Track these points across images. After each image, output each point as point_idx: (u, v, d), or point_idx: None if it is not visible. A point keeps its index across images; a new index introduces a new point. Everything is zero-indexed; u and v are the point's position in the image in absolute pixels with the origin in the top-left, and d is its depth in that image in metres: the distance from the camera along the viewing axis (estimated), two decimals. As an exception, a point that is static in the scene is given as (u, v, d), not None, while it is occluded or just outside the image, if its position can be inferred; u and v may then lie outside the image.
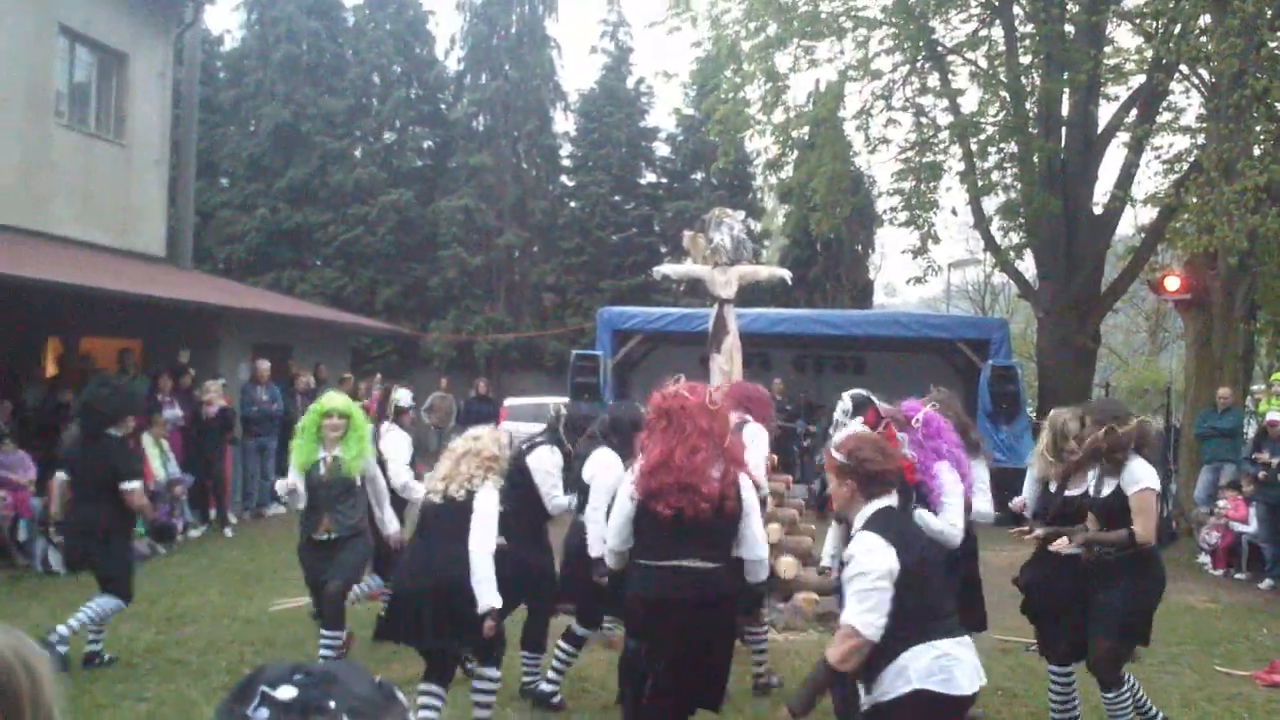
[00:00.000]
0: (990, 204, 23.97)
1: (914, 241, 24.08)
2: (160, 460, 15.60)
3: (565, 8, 57.13)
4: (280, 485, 8.77)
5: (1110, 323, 30.47)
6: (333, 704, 2.00)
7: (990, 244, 24.77)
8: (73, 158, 19.72)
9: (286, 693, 2.00)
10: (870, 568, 4.59)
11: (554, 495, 8.20)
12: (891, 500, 4.94)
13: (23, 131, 18.44)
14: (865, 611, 4.56)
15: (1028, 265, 24.29)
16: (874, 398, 7.18)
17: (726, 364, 13.18)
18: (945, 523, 6.58)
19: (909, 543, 4.78)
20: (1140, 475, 7.02)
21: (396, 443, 10.00)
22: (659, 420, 6.07)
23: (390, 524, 9.18)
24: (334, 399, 8.80)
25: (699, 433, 5.93)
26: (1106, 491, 7.14)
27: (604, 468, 7.76)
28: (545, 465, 8.23)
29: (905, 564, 4.61)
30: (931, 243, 24.07)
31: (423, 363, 36.77)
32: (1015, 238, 23.57)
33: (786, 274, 14.34)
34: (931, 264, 24.81)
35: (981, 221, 24.00)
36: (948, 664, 4.61)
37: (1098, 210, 22.06)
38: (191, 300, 18.22)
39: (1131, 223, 27.99)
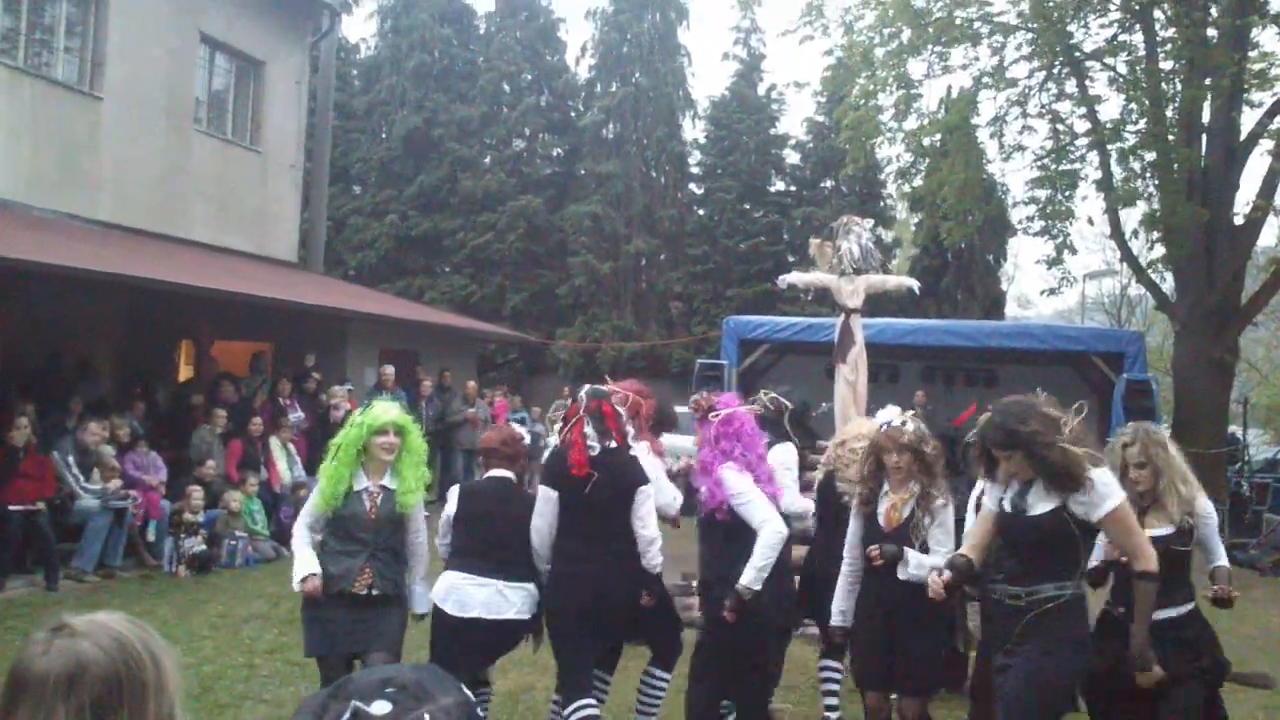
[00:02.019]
0: (1129, 214, 23.44)
1: (1049, 252, 23.64)
2: (286, 463, 15.80)
3: (697, 15, 57.32)
4: (299, 579, 6.44)
5: (1250, 336, 29.70)
6: (426, 717, 1.98)
7: (1127, 255, 24.23)
8: (210, 164, 20.08)
9: (381, 708, 1.98)
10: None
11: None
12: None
13: (162, 137, 18.82)
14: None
15: (1165, 276, 23.70)
16: (606, 392, 6.97)
17: (852, 374, 13.03)
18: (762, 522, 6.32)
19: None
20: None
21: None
22: None
23: (421, 602, 6.90)
24: (389, 410, 6.70)
25: None
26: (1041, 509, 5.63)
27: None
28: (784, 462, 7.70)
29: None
30: (1067, 253, 23.61)
31: (549, 370, 36.95)
32: (1157, 250, 23.03)
33: (914, 283, 14.13)
34: (1067, 275, 24.33)
35: (1118, 232, 23.47)
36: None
37: (1238, 220, 21.45)
38: (319, 304, 18.43)
39: (1274, 233, 27.27)
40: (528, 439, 7.80)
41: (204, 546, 13.34)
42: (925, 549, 6.31)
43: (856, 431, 7.74)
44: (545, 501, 6.65)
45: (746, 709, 6.67)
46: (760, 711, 6.75)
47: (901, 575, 6.26)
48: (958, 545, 6.34)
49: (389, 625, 6.53)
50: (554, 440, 7.18)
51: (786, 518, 6.74)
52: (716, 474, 6.39)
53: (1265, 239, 24.81)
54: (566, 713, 6.46)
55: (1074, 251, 23.90)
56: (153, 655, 2.17)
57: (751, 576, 6.20)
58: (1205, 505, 6.39)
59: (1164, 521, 6.20)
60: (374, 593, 6.42)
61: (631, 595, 6.55)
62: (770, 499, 6.44)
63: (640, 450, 6.97)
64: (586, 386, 7.08)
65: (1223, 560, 6.60)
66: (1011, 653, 5.52)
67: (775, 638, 6.96)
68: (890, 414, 6.68)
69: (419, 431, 6.84)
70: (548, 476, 6.70)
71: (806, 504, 7.74)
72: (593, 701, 6.59)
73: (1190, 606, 6.28)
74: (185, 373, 19.60)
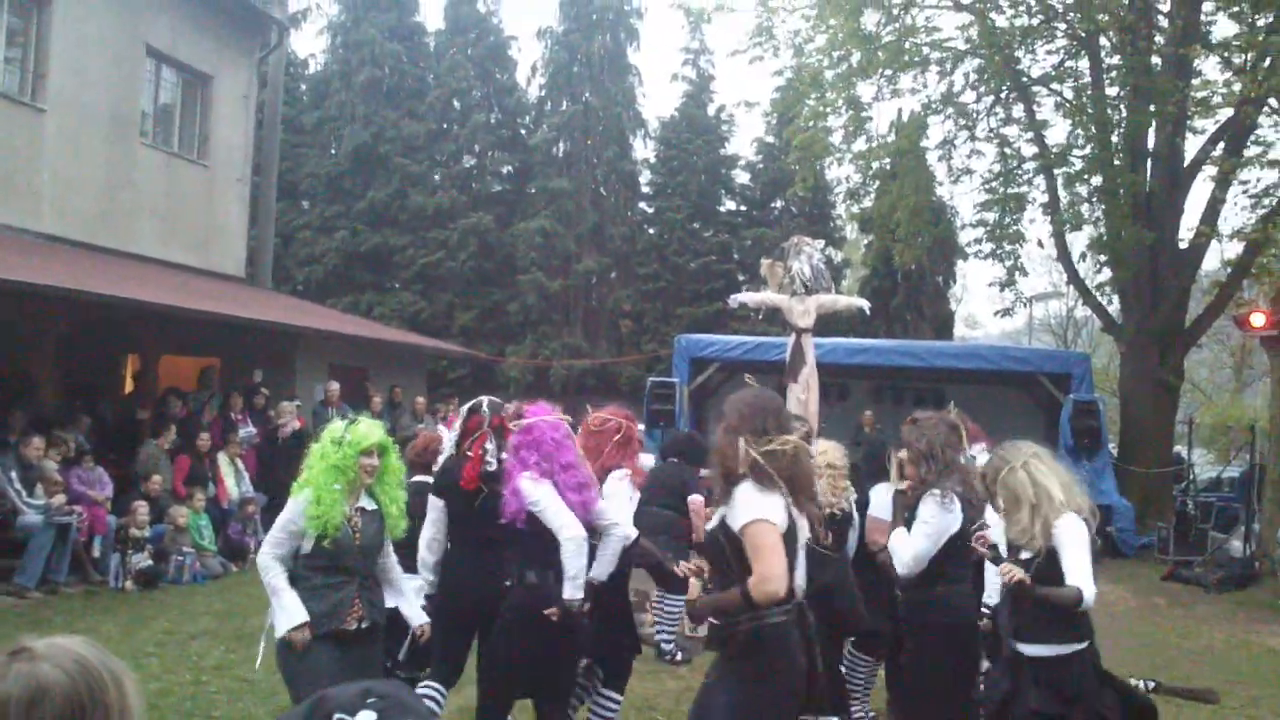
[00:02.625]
0: (1075, 237, 23.70)
1: (999, 274, 23.87)
2: (234, 479, 15.68)
3: (647, 36, 57.51)
4: (291, 627, 5.77)
5: (1194, 358, 30.00)
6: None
7: (1074, 277, 24.49)
8: (156, 178, 19.91)
9: (367, 717, 1.96)
10: None
11: None
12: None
13: (108, 151, 18.64)
14: None
15: (1111, 299, 23.94)
16: (495, 405, 7.02)
17: (803, 394, 13.03)
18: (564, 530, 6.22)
19: None
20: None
21: None
22: None
23: (418, 615, 6.67)
24: (374, 430, 6.18)
25: None
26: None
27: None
28: None
29: None
30: (1019, 275, 23.85)
31: (499, 387, 36.82)
32: (1102, 272, 23.28)
33: (865, 304, 14.18)
34: (1019, 296, 24.56)
35: (1065, 254, 23.71)
36: None
37: (1183, 245, 21.72)
38: (269, 320, 18.30)
39: (1218, 257, 27.55)
40: None
41: (150, 562, 13.20)
42: None
43: (838, 454, 7.86)
44: (434, 510, 6.86)
45: (547, 712, 6.58)
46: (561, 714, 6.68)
47: None
48: None
49: (376, 656, 6.21)
50: (449, 450, 7.23)
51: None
52: (514, 483, 6.35)
53: (1209, 263, 25.12)
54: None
55: (1025, 274, 24.14)
56: (114, 677, 2.14)
57: (568, 588, 6.13)
58: (1066, 526, 5.71)
59: (1030, 548, 5.81)
60: (363, 626, 5.98)
61: (498, 598, 6.55)
62: (579, 507, 6.33)
63: (618, 476, 7.07)
64: (485, 399, 7.08)
65: (1074, 587, 5.57)
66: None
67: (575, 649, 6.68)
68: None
69: (397, 452, 6.40)
70: (438, 487, 6.88)
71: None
72: (441, 689, 6.78)
73: (1072, 648, 5.69)
74: (131, 387, 19.40)
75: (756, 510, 4.79)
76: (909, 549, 6.47)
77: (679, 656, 10.29)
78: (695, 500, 10.18)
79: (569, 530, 6.17)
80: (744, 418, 5.01)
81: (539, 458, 6.36)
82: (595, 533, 6.41)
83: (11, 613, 11.44)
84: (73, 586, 12.84)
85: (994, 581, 7.43)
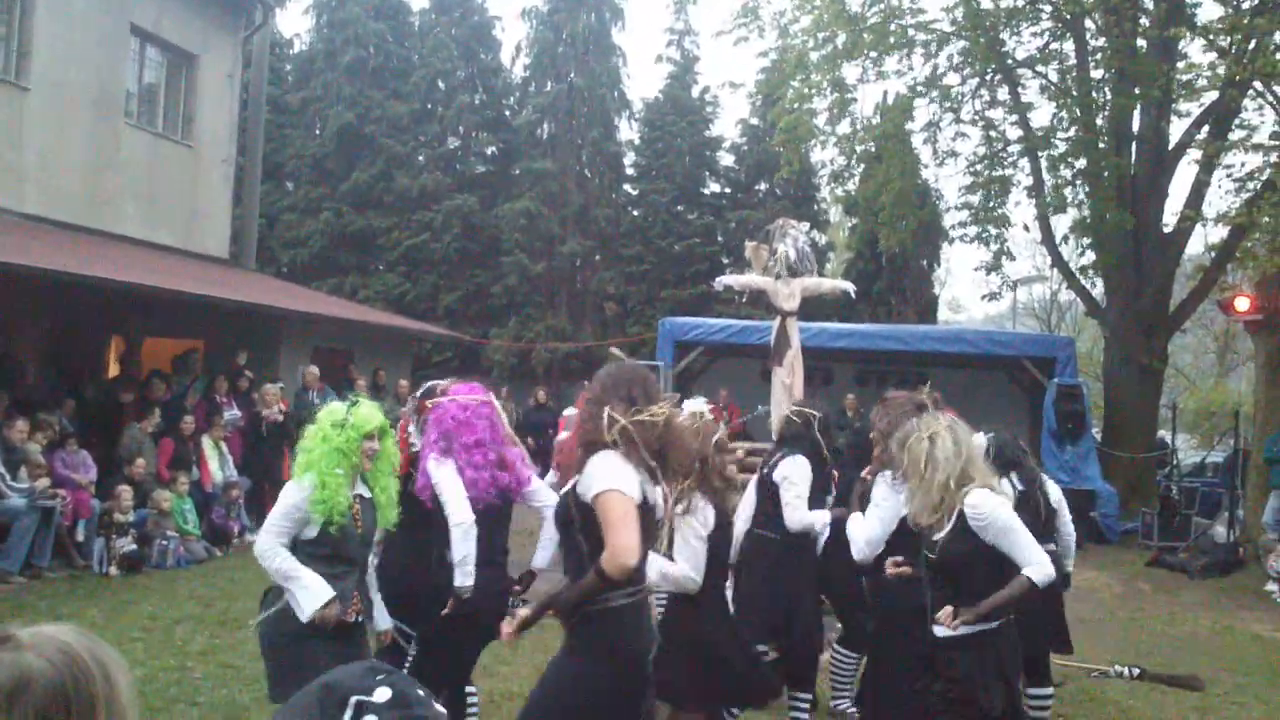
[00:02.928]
0: (1059, 220, 23.71)
1: (984, 258, 23.90)
2: (218, 463, 15.64)
3: (632, 16, 57.37)
4: (321, 605, 5.54)
5: (1178, 343, 30.04)
6: (420, 691, 1.99)
7: (1058, 261, 24.52)
8: (140, 158, 19.81)
9: (384, 694, 1.96)
10: None
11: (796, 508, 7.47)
12: None
13: (91, 130, 18.54)
14: None
15: (1095, 283, 23.99)
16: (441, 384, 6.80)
17: (788, 377, 13.08)
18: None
19: None
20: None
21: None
22: None
23: (384, 619, 6.34)
24: (376, 413, 5.93)
25: None
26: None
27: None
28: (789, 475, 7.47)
29: None
30: (1006, 259, 23.89)
31: (483, 370, 36.82)
32: (1085, 255, 23.31)
33: (850, 287, 14.23)
34: (1006, 280, 24.60)
35: (1049, 238, 23.74)
36: None
37: (1167, 228, 21.74)
38: (253, 302, 18.23)
39: (1201, 241, 27.61)
40: None
41: (134, 546, 13.16)
42: None
43: None
44: None
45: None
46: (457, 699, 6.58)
47: None
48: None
49: (367, 652, 5.90)
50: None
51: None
52: (422, 463, 6.33)
53: (1193, 247, 25.16)
54: None
55: (1012, 258, 24.19)
56: (102, 667, 2.11)
57: (457, 575, 6.03)
58: (983, 503, 5.47)
59: (938, 529, 5.61)
60: (359, 619, 5.86)
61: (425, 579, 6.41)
62: (488, 486, 6.25)
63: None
64: (433, 384, 6.91)
65: (1030, 572, 5.38)
66: None
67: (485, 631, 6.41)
68: (698, 405, 6.63)
69: (394, 436, 6.19)
70: None
71: (812, 518, 7.44)
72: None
73: (965, 631, 5.44)
74: (114, 370, 19.32)
75: (611, 480, 4.57)
76: (862, 532, 6.48)
77: None
78: None
79: (455, 516, 6.07)
80: (607, 388, 4.80)
81: (438, 436, 6.31)
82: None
83: (-4, 597, 11.41)
84: (56, 571, 12.78)
85: None
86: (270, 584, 5.73)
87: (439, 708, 2.03)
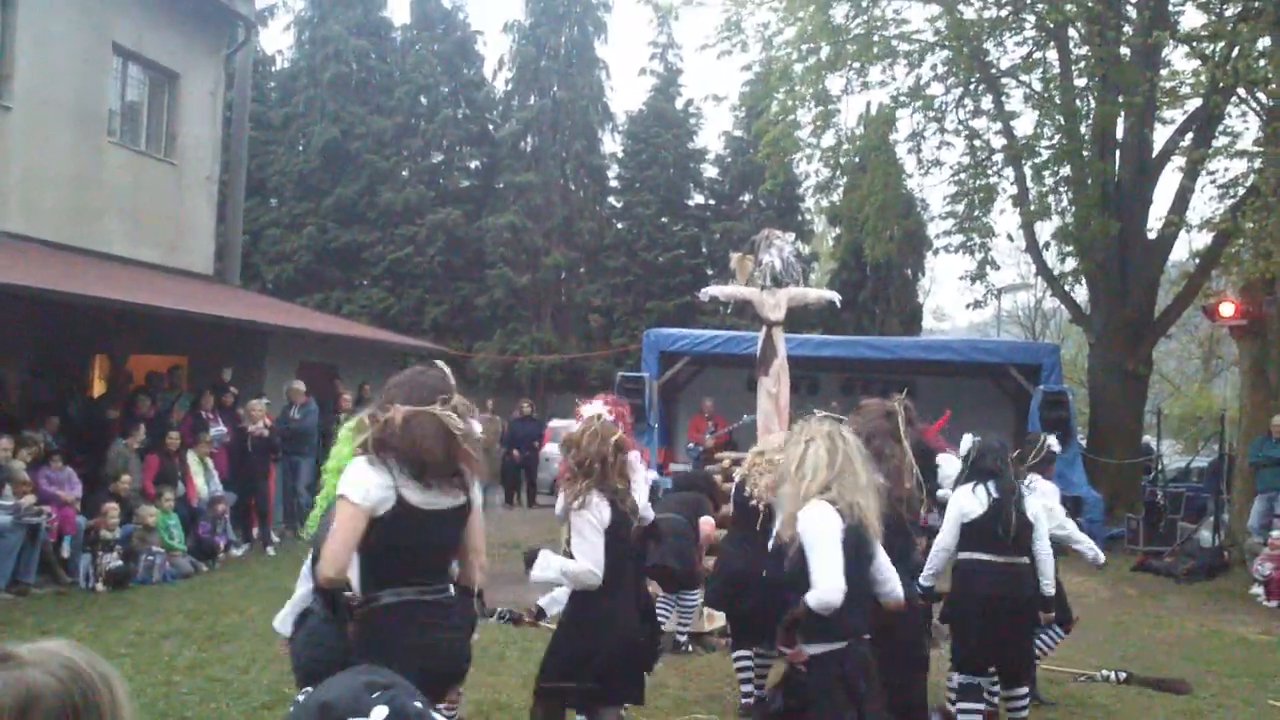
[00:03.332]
0: (1043, 228, 23.76)
1: (969, 267, 23.94)
2: (204, 478, 15.61)
3: (615, 30, 57.58)
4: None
5: (1163, 349, 30.16)
6: (418, 704, 1.97)
7: (1043, 269, 24.56)
8: (123, 176, 19.78)
9: (380, 713, 1.95)
10: None
11: None
12: None
13: (74, 149, 18.51)
14: None
15: (1079, 290, 24.05)
16: None
17: (774, 387, 13.09)
18: None
19: None
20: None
21: None
22: None
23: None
24: None
25: None
26: None
27: None
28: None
29: None
30: (990, 268, 23.94)
31: (468, 383, 36.82)
32: (1069, 263, 23.34)
33: (836, 296, 14.23)
34: (990, 288, 24.65)
35: (1034, 246, 23.79)
36: None
37: (1152, 235, 21.80)
38: (238, 318, 18.22)
39: (1186, 248, 27.73)
40: None
41: (120, 562, 13.13)
42: None
43: (776, 443, 7.88)
44: None
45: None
46: None
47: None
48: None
49: None
50: None
51: None
52: None
53: (1178, 253, 25.26)
54: None
55: (996, 266, 24.24)
56: (105, 680, 2.11)
57: None
58: (805, 517, 5.31)
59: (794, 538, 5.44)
60: None
61: None
62: None
63: (633, 458, 6.85)
64: None
65: (809, 596, 5.19)
66: None
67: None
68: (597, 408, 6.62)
69: None
70: None
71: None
72: None
73: (823, 648, 5.29)
74: (99, 387, 19.28)
75: (343, 486, 4.66)
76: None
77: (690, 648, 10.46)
78: (707, 522, 10.23)
79: None
80: (388, 394, 4.87)
81: None
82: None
83: (-19, 614, 11.38)
84: (42, 587, 12.76)
85: (934, 563, 7.55)
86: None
87: (439, 717, 2.03)
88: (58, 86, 18.03)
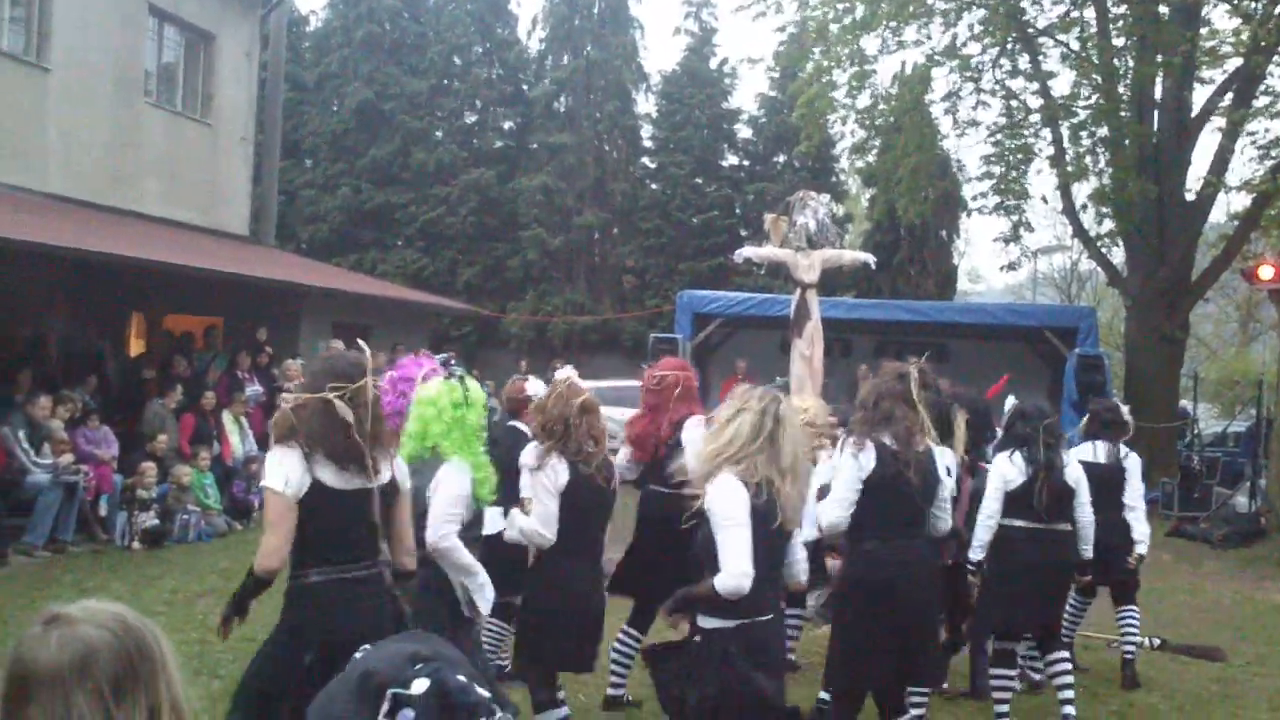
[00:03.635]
0: (1080, 189, 23.56)
1: (1004, 228, 23.79)
2: (239, 437, 15.71)
3: (648, -12, 57.08)
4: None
5: (1200, 312, 29.93)
6: (461, 677, 1.98)
7: (1079, 231, 24.36)
8: (160, 137, 19.88)
9: (421, 685, 1.96)
10: None
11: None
12: None
13: (111, 110, 18.60)
14: None
15: (1116, 252, 23.87)
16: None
17: (807, 349, 13.05)
18: None
19: None
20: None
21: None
22: None
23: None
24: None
25: None
26: None
27: None
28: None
29: None
30: (1025, 230, 23.79)
31: (500, 344, 36.89)
32: (1106, 225, 23.15)
33: (870, 258, 14.18)
34: (1025, 250, 24.49)
35: (1070, 207, 23.60)
36: None
37: (1190, 196, 21.60)
38: (273, 279, 18.30)
39: (1224, 210, 27.43)
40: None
41: (156, 521, 13.24)
42: None
43: (802, 405, 7.88)
44: None
45: None
46: None
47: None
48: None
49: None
50: None
51: None
52: None
53: (1216, 215, 24.99)
54: None
55: (1031, 229, 24.07)
56: (151, 631, 2.17)
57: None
58: (714, 491, 5.11)
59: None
60: None
61: None
62: None
63: (694, 422, 7.21)
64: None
65: (717, 579, 4.98)
66: None
67: None
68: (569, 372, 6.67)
69: None
70: None
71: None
72: None
73: (709, 623, 5.14)
74: (136, 347, 19.40)
75: (265, 476, 4.89)
76: (824, 505, 6.31)
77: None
78: None
79: None
80: (308, 377, 5.10)
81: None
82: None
83: (22, 572, 11.49)
84: (80, 545, 12.90)
85: (981, 534, 7.46)
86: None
87: (482, 691, 2.04)
88: (95, 48, 18.12)
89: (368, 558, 5.02)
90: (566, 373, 6.57)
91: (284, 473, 4.78)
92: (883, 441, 6.05)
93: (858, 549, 6.21)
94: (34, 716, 2.04)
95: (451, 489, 5.53)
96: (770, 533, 5.03)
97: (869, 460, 6.03)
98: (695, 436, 7.01)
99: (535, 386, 8.02)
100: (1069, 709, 7.43)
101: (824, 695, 6.96)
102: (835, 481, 6.25)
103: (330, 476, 4.86)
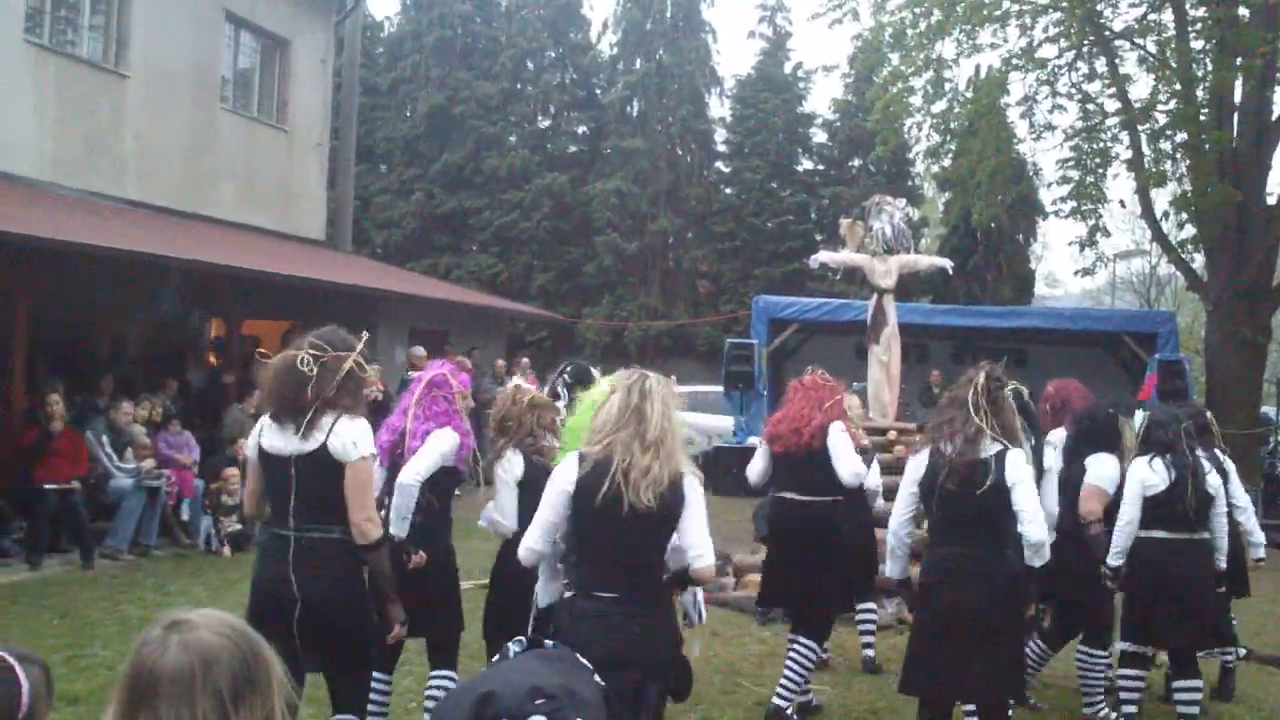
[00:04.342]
0: (1159, 194, 23.26)
1: (1080, 233, 23.53)
2: (317, 442, 15.79)
3: (721, -8, 57.03)
4: None
5: (1282, 317, 29.48)
6: (581, 718, 1.98)
7: (1159, 236, 24.06)
8: (236, 142, 20.06)
9: None
10: None
11: None
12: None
13: (189, 116, 18.80)
14: None
15: (1196, 257, 23.54)
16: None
17: (884, 354, 12.99)
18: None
19: None
20: None
21: None
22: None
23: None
24: None
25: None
26: None
27: None
28: None
29: None
30: (1101, 235, 23.50)
31: (576, 349, 36.98)
32: (1187, 230, 22.84)
33: (948, 263, 14.09)
34: (1101, 256, 24.20)
35: (1149, 212, 23.32)
36: None
37: (1271, 200, 21.30)
38: (350, 283, 18.41)
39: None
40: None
41: (240, 526, 13.36)
42: None
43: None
44: None
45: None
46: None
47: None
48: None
49: None
50: None
51: None
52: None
53: (1297, 219, 24.56)
54: None
55: (1108, 234, 23.76)
56: (263, 642, 2.23)
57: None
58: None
59: None
60: None
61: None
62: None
63: (836, 429, 7.71)
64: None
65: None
66: None
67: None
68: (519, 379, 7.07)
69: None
70: None
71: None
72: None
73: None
74: (218, 355, 19.60)
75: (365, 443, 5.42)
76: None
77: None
78: None
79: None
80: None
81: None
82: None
83: (106, 575, 11.63)
84: (162, 550, 13.06)
85: (1120, 540, 7.31)
86: None
87: None
88: (173, 55, 18.32)
89: (320, 523, 5.21)
90: (517, 379, 7.07)
91: (252, 436, 5.48)
92: (939, 448, 6.05)
93: (926, 554, 6.32)
94: (157, 715, 2.08)
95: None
96: (609, 513, 4.84)
97: (919, 466, 6.16)
98: (841, 442, 7.65)
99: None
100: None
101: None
102: (903, 482, 6.40)
103: (268, 438, 5.29)
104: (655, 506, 4.79)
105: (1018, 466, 5.95)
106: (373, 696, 6.03)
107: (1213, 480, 7.44)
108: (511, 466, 6.37)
